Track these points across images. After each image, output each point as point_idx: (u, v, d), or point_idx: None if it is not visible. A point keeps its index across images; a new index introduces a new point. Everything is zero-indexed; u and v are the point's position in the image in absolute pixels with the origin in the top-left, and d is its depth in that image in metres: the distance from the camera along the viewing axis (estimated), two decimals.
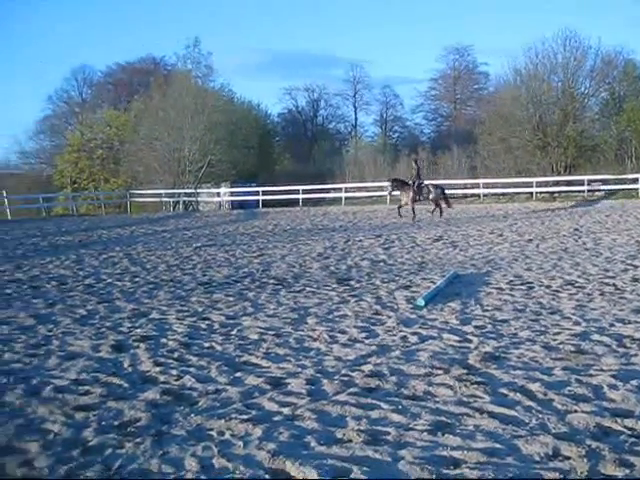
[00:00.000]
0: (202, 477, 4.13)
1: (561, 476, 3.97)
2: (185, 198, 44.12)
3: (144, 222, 32.20)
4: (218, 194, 44.84)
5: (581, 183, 37.36)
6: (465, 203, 38.69)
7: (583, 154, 43.02)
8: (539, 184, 38.32)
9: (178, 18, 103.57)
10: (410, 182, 27.24)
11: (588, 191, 37.05)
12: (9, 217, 36.37)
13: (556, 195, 38.36)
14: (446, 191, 28.94)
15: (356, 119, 71.76)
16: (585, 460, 4.18)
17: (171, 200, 44.33)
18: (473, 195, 40.51)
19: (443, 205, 27.54)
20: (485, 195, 39.65)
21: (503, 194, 39.81)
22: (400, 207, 27.40)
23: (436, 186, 28.37)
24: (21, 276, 13.71)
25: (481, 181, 39.69)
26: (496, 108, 46.04)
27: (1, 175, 61.32)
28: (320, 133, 68.24)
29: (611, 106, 45.04)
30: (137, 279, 12.81)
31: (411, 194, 26.64)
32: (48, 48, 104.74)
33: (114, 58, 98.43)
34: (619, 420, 4.84)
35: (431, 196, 27.33)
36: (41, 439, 4.86)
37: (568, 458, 4.24)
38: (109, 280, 12.76)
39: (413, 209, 26.74)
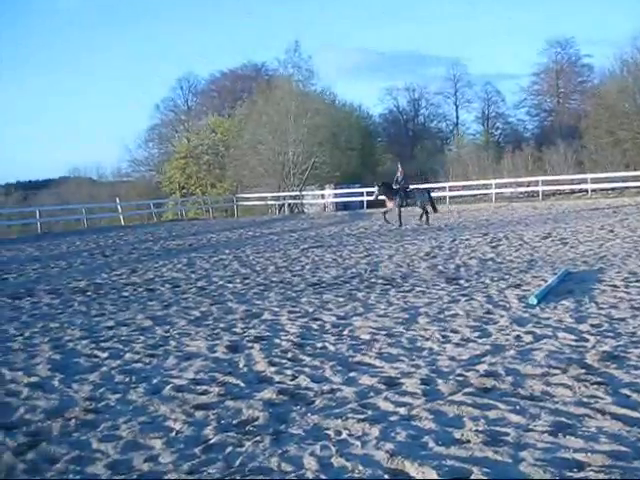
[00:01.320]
0: (322, 477, 4.17)
1: None
2: (290, 201, 44.68)
3: (251, 225, 32.79)
4: (322, 196, 45.20)
5: None
6: (573, 199, 37.73)
7: None
8: None
9: (278, 23, 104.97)
10: (396, 187, 25.94)
11: None
12: (122, 223, 37.71)
13: None
14: (432, 195, 28.08)
15: (457, 117, 70.99)
16: None
17: (276, 203, 45.01)
18: (581, 190, 39.42)
19: (429, 210, 26.28)
20: (593, 190, 38.52)
21: (612, 189, 38.56)
22: (386, 212, 26.33)
23: (422, 190, 27.51)
24: (137, 279, 14.19)
25: (589, 176, 38.56)
26: (602, 101, 44.60)
27: (114, 183, 63.84)
28: (421, 132, 67.88)
29: None
30: (247, 281, 13.05)
31: (397, 199, 25.42)
32: (155, 58, 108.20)
33: (217, 66, 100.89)
34: None
35: (418, 202, 26.11)
36: (164, 436, 5.02)
37: None
38: (220, 282, 13.06)
39: (400, 215, 25.49)
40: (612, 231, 18.97)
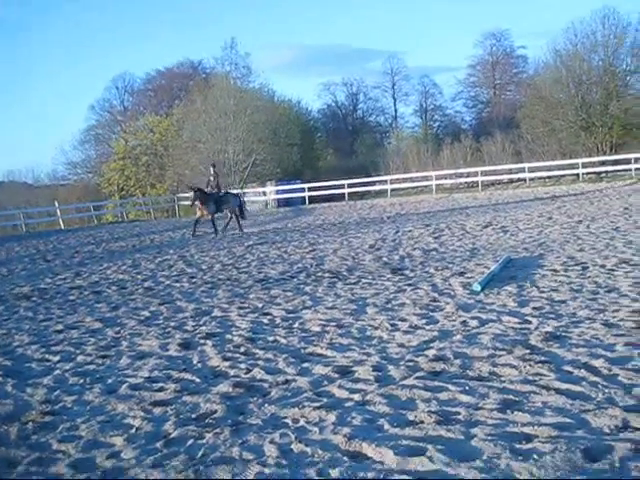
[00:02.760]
0: (283, 462, 4.30)
1: (633, 447, 4.05)
2: None
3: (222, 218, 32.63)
4: (264, 193, 45.23)
5: (628, 162, 36.83)
6: (511, 188, 38.53)
7: (629, 132, 42.43)
8: (585, 165, 37.94)
9: (212, 20, 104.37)
10: (211, 192, 24.17)
11: (636, 170, 36.50)
12: (62, 226, 37.15)
13: (603, 175, 37.89)
14: (243, 200, 27.13)
15: (396, 110, 71.63)
16: None
17: None
18: (519, 180, 40.28)
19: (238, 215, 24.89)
20: (531, 179, 39.38)
21: (549, 177, 39.49)
22: (197, 222, 24.53)
23: (235, 195, 26.09)
24: (82, 283, 14.08)
25: (526, 165, 39.44)
26: (537, 91, 45.60)
27: (51, 187, 62.75)
28: (361, 126, 68.35)
29: None
30: (194, 280, 13.08)
31: (212, 206, 23.71)
32: (88, 58, 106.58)
33: (152, 65, 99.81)
34: None
35: (229, 207, 24.61)
36: (124, 433, 5.09)
37: (638, 429, 4.32)
38: (167, 282, 13.06)
39: (214, 222, 24.07)
40: (551, 218, 19.50)
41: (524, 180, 39.62)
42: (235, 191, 29.98)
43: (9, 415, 5.75)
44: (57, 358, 7.63)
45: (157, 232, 28.87)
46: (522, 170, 39.74)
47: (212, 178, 24.54)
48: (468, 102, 69.26)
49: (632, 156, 36.60)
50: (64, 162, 67.94)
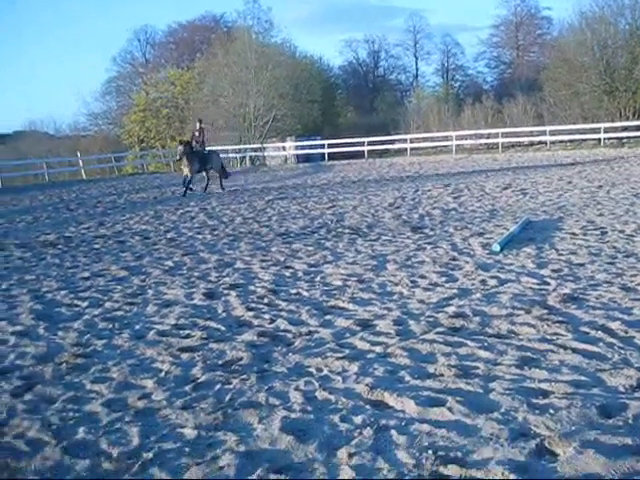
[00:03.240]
0: (308, 408, 4.49)
1: None
2: (251, 153, 44.62)
3: (213, 178, 32.73)
4: (284, 148, 45.23)
5: None
6: (532, 151, 38.31)
7: None
8: (607, 130, 37.51)
9: None
10: (197, 149, 22.89)
11: None
12: (84, 177, 37.42)
13: (625, 141, 37.56)
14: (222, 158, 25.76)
15: (417, 69, 71.00)
16: None
17: (238, 156, 44.90)
18: (540, 143, 40.01)
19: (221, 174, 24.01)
20: (552, 142, 39.09)
21: (570, 141, 39.16)
22: (187, 180, 22.74)
23: (217, 154, 24.93)
24: (105, 232, 14.33)
25: (547, 128, 39.08)
26: (560, 54, 44.99)
27: (72, 137, 62.93)
28: (381, 84, 67.84)
29: None
30: (216, 232, 13.28)
31: (196, 164, 22.50)
32: (110, 9, 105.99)
33: (174, 17, 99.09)
34: None
35: (213, 166, 23.61)
36: (154, 376, 5.30)
37: None
38: (190, 234, 13.27)
39: (191, 181, 22.83)
40: (570, 182, 19.46)
41: (545, 143, 39.35)
42: (215, 149, 29.13)
43: (43, 356, 5.98)
44: (86, 304, 7.86)
45: (177, 184, 28.85)
46: (543, 133, 39.43)
47: (197, 133, 23.12)
48: (490, 63, 68.51)
49: None
50: (85, 113, 68.06)
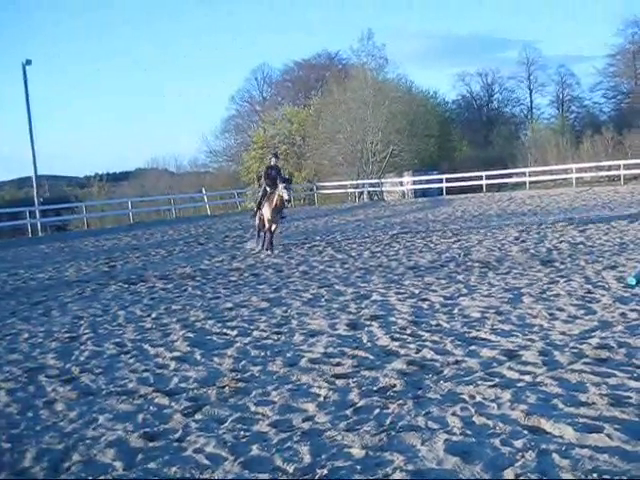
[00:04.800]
0: (467, 431, 4.73)
1: None
2: (370, 188, 45.12)
3: (334, 213, 33.42)
4: (401, 183, 45.55)
5: None
6: None
7: None
8: None
9: (346, 10, 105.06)
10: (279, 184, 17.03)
11: None
12: (209, 212, 38.82)
13: None
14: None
15: (531, 101, 69.92)
16: None
17: (356, 191, 45.53)
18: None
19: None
20: None
21: None
22: (264, 227, 17.43)
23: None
24: (239, 265, 14.98)
25: None
26: None
27: (194, 173, 65.42)
28: (496, 117, 67.19)
29: None
30: (347, 265, 13.67)
31: (275, 202, 16.95)
32: (228, 49, 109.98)
33: (291, 56, 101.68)
34: None
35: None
36: (314, 401, 5.65)
37: None
38: (321, 267, 13.70)
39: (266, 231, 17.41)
40: None
41: None
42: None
43: (204, 380, 6.45)
44: (235, 332, 8.37)
45: (299, 219, 29.72)
46: None
47: (273, 172, 17.44)
48: (607, 93, 66.74)
49: None
50: (206, 150, 70.52)
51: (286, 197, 16.71)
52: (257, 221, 18.08)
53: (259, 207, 17.70)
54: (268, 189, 17.34)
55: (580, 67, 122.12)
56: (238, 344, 7.77)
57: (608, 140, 44.59)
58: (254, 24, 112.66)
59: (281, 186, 16.76)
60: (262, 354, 7.28)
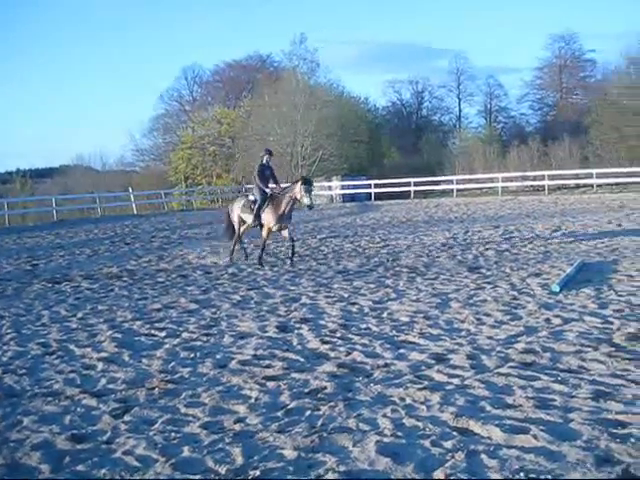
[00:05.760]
0: (398, 433, 4.80)
1: None
2: None
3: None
4: (330, 187, 45.78)
5: None
6: (578, 193, 38.30)
7: None
8: None
9: (280, 14, 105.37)
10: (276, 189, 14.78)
11: None
12: (135, 212, 38.26)
13: None
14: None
15: (460, 110, 71.40)
16: None
17: None
18: (585, 185, 40.02)
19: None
20: (598, 185, 39.10)
21: (617, 184, 39.11)
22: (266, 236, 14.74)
23: None
24: (167, 266, 14.82)
25: (594, 171, 39.04)
26: (606, 96, 45.21)
27: (119, 172, 64.48)
28: (425, 125, 68.32)
29: None
30: (275, 268, 13.67)
31: (284, 208, 14.36)
32: (159, 47, 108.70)
33: (222, 57, 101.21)
34: None
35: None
36: (245, 402, 5.64)
37: None
38: (249, 269, 13.67)
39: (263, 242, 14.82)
40: (620, 225, 19.54)
41: (591, 186, 39.38)
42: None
43: (133, 381, 6.38)
44: (163, 334, 8.28)
45: None
46: (590, 176, 39.43)
47: (267, 171, 15.02)
48: (534, 104, 68.64)
49: None
50: (132, 149, 69.63)
51: (307, 203, 13.95)
52: (235, 226, 15.45)
53: (258, 213, 14.46)
54: (268, 191, 14.52)
55: (508, 79, 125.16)
56: (167, 345, 7.70)
57: (534, 151, 45.87)
58: (185, 22, 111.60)
59: (301, 188, 13.88)
60: (192, 355, 7.23)
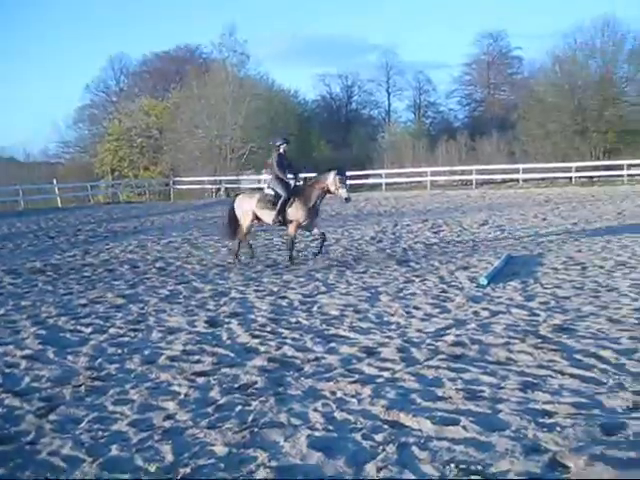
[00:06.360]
0: (329, 427, 4.79)
1: None
2: (227, 185, 44.87)
3: (191, 209, 32.98)
4: (259, 181, 45.56)
5: (620, 168, 37.59)
6: (505, 188, 39.05)
7: (622, 139, 43.19)
8: (578, 169, 38.63)
9: (211, 5, 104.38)
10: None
11: (628, 175, 37.26)
12: (59, 205, 37.39)
13: (595, 180, 38.60)
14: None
15: (389, 105, 72.11)
16: None
17: (213, 187, 45.16)
18: (512, 180, 40.85)
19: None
20: (524, 180, 39.96)
21: (542, 179, 40.07)
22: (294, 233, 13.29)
23: None
24: (93, 260, 14.49)
25: (520, 166, 39.90)
26: (532, 93, 46.34)
27: (44, 164, 62.75)
28: (354, 119, 68.74)
29: None
30: (204, 262, 13.52)
31: (313, 201, 13.02)
32: (85, 35, 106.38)
33: (150, 47, 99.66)
34: None
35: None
36: (174, 399, 5.55)
37: None
38: (178, 263, 13.49)
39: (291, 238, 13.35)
40: (545, 219, 20.01)
41: (517, 181, 40.21)
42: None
43: (58, 379, 6.20)
44: (89, 330, 8.09)
45: (155, 215, 29.18)
46: (516, 171, 40.25)
47: (285, 161, 13.45)
48: (462, 100, 69.91)
49: (625, 162, 37.34)
50: (57, 140, 67.98)
51: (345, 195, 12.65)
52: (246, 222, 13.63)
53: (283, 208, 12.98)
54: (292, 182, 13.20)
55: (437, 74, 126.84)
56: (93, 342, 7.52)
57: (462, 145, 46.63)
58: (112, 12, 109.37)
59: (335, 179, 12.62)
60: (119, 352, 7.08)
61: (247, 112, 46.20)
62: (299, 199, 12.96)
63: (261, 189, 14.88)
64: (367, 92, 71.34)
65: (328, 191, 12.88)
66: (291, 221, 13.04)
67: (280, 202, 12.96)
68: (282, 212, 13.00)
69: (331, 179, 12.70)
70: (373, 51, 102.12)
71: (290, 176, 13.24)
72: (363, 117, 70.88)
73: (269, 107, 48.92)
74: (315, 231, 13.59)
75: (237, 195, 14.55)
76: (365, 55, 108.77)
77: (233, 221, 13.85)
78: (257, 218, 13.60)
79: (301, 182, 13.41)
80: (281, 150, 13.42)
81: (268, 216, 13.25)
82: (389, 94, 71.49)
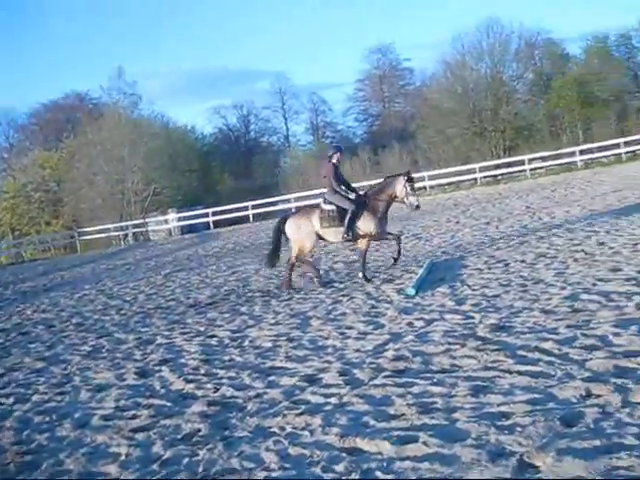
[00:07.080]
0: (286, 465, 4.54)
1: (601, 410, 4.50)
2: (134, 229, 43.99)
3: (101, 258, 32.12)
4: (166, 221, 44.90)
5: (522, 163, 38.70)
6: None
7: (520, 135, 44.66)
8: (482, 169, 39.58)
9: (92, 49, 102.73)
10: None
11: (530, 170, 38.37)
12: None
13: (499, 178, 39.56)
14: None
15: (287, 129, 72.45)
16: (616, 394, 4.78)
17: (120, 233, 44.19)
18: (419, 188, 41.35)
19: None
20: (431, 187, 40.57)
21: (448, 184, 40.80)
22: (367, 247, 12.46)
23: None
24: (4, 325, 13.77)
25: (425, 174, 40.48)
26: (427, 101, 47.38)
27: None
28: (254, 148, 68.72)
29: (539, 85, 47.08)
30: (123, 311, 13.03)
31: (382, 211, 12.42)
32: None
33: (37, 97, 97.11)
34: (633, 359, 5.43)
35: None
36: (115, 461, 5.18)
37: (601, 396, 4.81)
38: (95, 316, 12.94)
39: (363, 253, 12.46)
40: (458, 222, 20.29)
41: (424, 188, 40.76)
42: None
43: None
44: (11, 400, 7.55)
45: (64, 269, 28.25)
46: (421, 179, 40.77)
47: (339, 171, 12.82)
48: (359, 116, 70.86)
49: (525, 157, 38.62)
50: None
51: (415, 203, 12.14)
52: (308, 245, 12.64)
53: (353, 222, 11.98)
54: (354, 195, 12.24)
55: (331, 93, 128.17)
56: (17, 412, 7.00)
57: (365, 161, 47.12)
58: None
59: (405, 187, 11.98)
60: (47, 419, 6.60)
61: (146, 153, 45.61)
62: (367, 210, 12.10)
63: (309, 206, 13.86)
64: (264, 119, 71.52)
65: (395, 197, 12.18)
66: (363, 235, 12.17)
67: (348, 216, 11.97)
68: (351, 227, 12.02)
69: (399, 187, 12.04)
70: (265, 77, 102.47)
71: (346, 190, 12.33)
72: (263, 145, 70.95)
73: (167, 145, 48.40)
74: (393, 240, 12.80)
75: (285, 217, 13.39)
76: (256, 82, 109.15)
77: (279, 246, 13.03)
78: (321, 239, 12.67)
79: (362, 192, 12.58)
80: (334, 160, 12.50)
81: (334, 234, 12.27)
82: (286, 119, 71.91)
